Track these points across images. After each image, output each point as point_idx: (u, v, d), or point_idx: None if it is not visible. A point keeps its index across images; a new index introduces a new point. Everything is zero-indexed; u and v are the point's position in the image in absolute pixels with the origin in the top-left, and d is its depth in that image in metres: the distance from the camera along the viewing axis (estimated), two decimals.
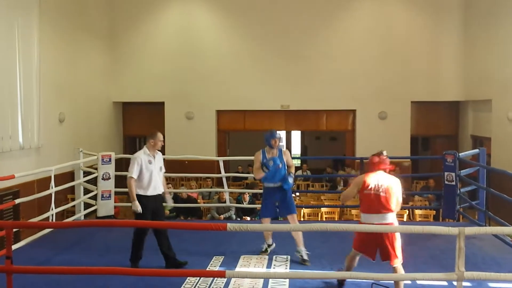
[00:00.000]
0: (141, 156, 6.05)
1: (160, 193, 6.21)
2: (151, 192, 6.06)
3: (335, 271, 5.52)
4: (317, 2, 15.17)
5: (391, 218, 4.98)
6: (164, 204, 6.48)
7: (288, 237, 6.31)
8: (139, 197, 6.01)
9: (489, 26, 13.13)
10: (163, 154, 6.40)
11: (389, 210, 4.96)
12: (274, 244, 6.67)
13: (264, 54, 15.25)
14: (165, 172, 6.42)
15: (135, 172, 5.97)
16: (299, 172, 15.07)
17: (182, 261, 6.07)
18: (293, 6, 15.16)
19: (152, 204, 6.06)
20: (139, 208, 5.93)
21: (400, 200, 5.09)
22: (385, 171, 5.10)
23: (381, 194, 4.94)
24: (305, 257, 6.21)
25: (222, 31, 15.49)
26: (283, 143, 21.33)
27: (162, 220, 6.26)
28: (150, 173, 6.03)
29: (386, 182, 5.01)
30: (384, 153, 5.17)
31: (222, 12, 15.45)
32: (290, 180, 6.38)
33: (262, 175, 6.35)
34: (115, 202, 8.87)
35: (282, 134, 20.87)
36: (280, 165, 6.32)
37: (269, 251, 6.57)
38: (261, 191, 11.44)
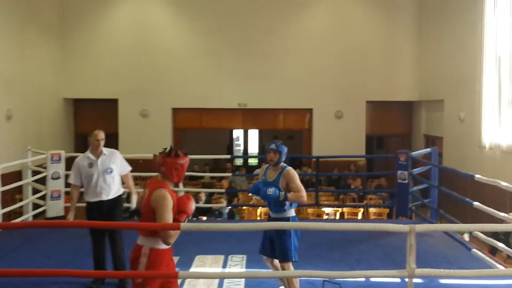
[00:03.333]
0: (79, 161, 5.58)
1: (109, 198, 5.53)
2: (91, 198, 5.51)
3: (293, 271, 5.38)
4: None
5: (143, 246, 3.79)
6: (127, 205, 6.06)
7: (244, 237, 6.21)
8: (86, 204, 5.61)
9: (442, 27, 13.45)
10: None
11: (142, 233, 3.78)
12: None
13: (221, 52, 15.14)
14: (117, 172, 5.55)
15: (72, 178, 5.58)
16: (257, 171, 15.00)
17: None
18: (251, 3, 15.11)
19: (95, 212, 5.47)
20: (69, 219, 5.56)
21: (166, 219, 3.68)
22: (167, 177, 3.81)
23: (141, 210, 3.80)
24: None
25: (179, 27, 15.28)
26: (240, 142, 21.35)
27: (109, 232, 5.47)
28: (90, 178, 5.48)
29: (147, 195, 3.75)
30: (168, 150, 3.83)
31: (178, 8, 15.24)
32: (274, 193, 4.70)
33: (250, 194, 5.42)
34: (65, 203, 8.56)
35: (239, 133, 21.30)
36: (271, 191, 4.70)
37: None
38: (218, 190, 11.46)
